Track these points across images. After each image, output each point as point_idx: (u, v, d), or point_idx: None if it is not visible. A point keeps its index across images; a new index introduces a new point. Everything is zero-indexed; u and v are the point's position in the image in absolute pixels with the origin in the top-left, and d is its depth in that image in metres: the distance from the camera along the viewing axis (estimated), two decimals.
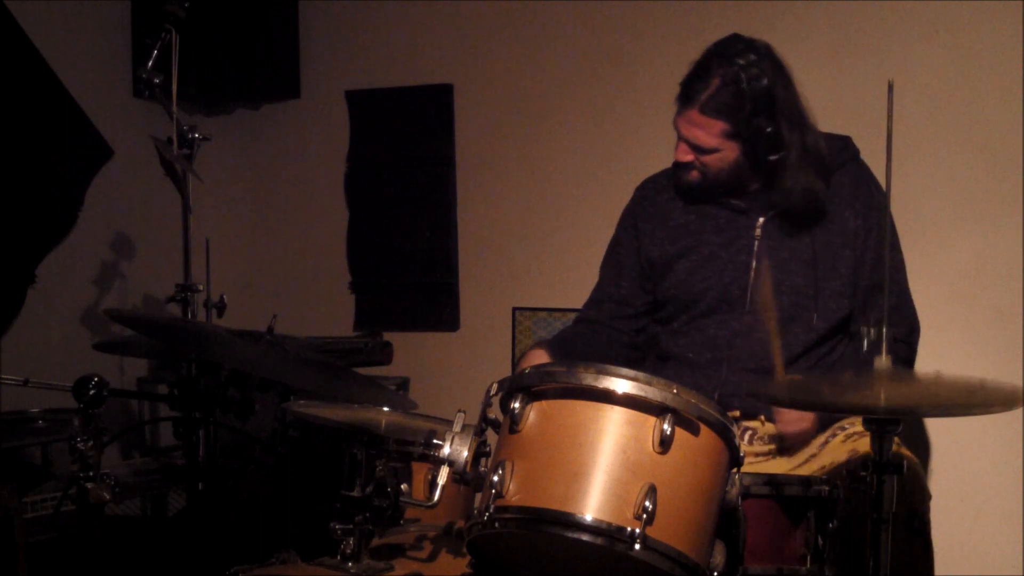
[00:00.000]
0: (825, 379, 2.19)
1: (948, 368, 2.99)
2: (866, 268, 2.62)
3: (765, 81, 2.52)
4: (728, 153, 2.58)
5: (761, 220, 2.65)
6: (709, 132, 2.56)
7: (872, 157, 2.70)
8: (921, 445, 3.26)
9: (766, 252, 2.63)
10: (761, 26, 2.93)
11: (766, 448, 2.55)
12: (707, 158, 2.60)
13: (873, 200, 2.65)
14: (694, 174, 2.64)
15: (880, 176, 2.64)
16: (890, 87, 1.89)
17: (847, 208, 2.64)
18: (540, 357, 2.63)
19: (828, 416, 2.52)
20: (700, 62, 2.58)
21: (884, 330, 1.92)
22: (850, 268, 2.62)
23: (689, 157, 2.62)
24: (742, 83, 2.51)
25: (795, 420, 2.50)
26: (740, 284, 2.64)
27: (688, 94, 2.57)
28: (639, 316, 2.82)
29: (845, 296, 2.62)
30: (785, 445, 2.54)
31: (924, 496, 2.43)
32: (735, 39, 2.59)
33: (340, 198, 4.19)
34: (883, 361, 1.93)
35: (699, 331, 2.68)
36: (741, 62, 2.53)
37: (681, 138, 2.62)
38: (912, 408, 2.04)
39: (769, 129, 2.53)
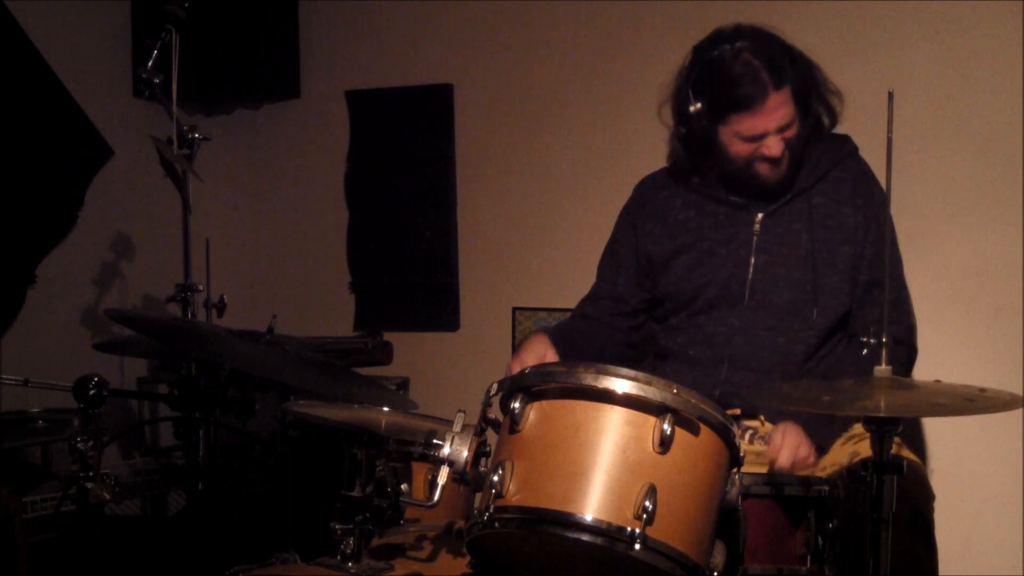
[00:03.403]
0: (825, 388, 2.15)
1: (947, 367, 3.01)
2: (865, 264, 2.61)
3: (778, 42, 2.56)
4: (798, 119, 2.57)
5: (760, 216, 2.64)
6: (786, 104, 2.53)
7: (871, 156, 2.70)
8: (921, 445, 3.26)
9: (765, 248, 2.63)
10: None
11: (766, 447, 2.54)
12: (788, 134, 2.56)
13: (872, 196, 2.64)
14: (783, 165, 2.58)
15: (880, 175, 2.63)
16: (890, 96, 1.88)
17: (846, 204, 2.63)
18: (542, 342, 2.60)
19: (832, 433, 2.50)
20: (731, 62, 2.52)
21: (884, 337, 1.92)
22: (849, 264, 2.61)
23: (780, 147, 2.56)
24: (773, 50, 2.53)
25: (790, 454, 2.36)
26: (739, 280, 2.63)
27: (752, 91, 2.50)
28: (636, 314, 2.81)
29: (844, 292, 2.61)
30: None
31: (928, 496, 2.43)
32: (729, 31, 2.59)
33: (340, 198, 4.19)
34: (883, 369, 1.93)
35: (698, 328, 2.67)
36: (758, 39, 2.54)
37: (756, 138, 2.55)
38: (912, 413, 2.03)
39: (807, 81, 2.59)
